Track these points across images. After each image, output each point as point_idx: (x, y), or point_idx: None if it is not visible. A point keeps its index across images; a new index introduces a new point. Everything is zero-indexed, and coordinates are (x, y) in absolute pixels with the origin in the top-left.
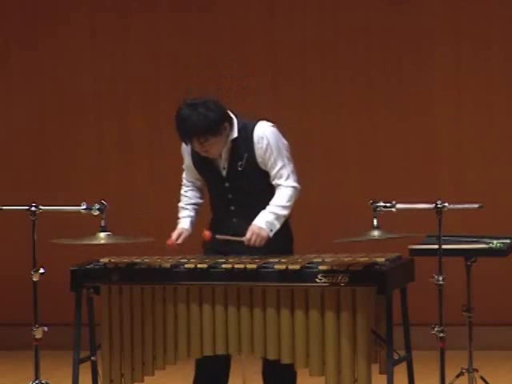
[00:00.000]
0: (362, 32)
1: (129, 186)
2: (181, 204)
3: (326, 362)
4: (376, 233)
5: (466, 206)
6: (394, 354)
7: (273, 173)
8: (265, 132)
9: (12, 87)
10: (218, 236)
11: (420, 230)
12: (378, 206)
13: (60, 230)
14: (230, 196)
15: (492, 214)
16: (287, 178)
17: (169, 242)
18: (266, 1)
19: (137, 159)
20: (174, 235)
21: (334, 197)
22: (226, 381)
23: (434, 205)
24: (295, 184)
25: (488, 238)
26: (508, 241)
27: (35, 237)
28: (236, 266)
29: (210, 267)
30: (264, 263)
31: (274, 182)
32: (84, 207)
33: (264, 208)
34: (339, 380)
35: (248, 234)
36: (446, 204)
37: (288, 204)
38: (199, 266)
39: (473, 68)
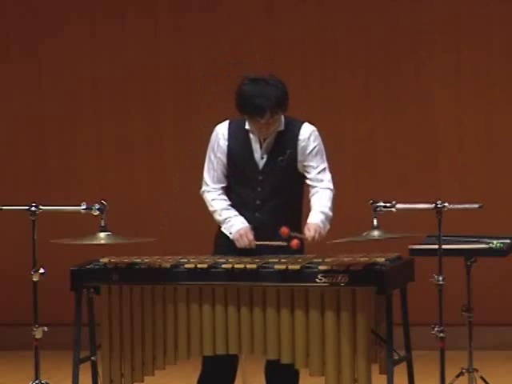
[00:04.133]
0: (361, 31)
1: (129, 186)
2: (220, 206)
3: (326, 362)
4: (376, 233)
5: (466, 206)
6: (394, 354)
7: (314, 173)
8: (314, 133)
9: (12, 87)
10: (257, 243)
11: (420, 229)
12: (378, 206)
13: (60, 230)
14: (259, 189)
15: (492, 214)
16: (329, 181)
17: (250, 242)
18: (265, 1)
19: (137, 159)
20: (250, 235)
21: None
22: (233, 381)
23: (434, 205)
24: (332, 186)
25: (488, 237)
26: (508, 241)
27: (35, 237)
28: (236, 265)
29: (210, 267)
30: (264, 263)
31: (313, 183)
32: (84, 207)
33: (287, 207)
34: (339, 380)
35: (311, 232)
36: (446, 204)
37: (332, 206)
38: (199, 266)
39: (473, 67)
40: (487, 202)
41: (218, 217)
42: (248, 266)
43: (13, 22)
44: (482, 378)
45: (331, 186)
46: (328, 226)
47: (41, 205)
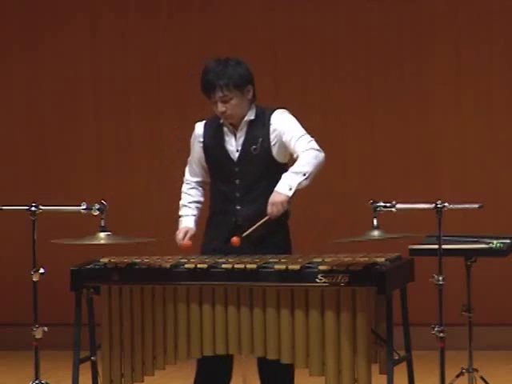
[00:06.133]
0: (362, 32)
1: (129, 186)
2: (183, 202)
3: (325, 362)
4: (376, 233)
5: (466, 206)
6: (394, 353)
7: (293, 143)
8: (284, 113)
9: (12, 87)
10: (245, 234)
11: (420, 230)
12: (377, 206)
13: (60, 230)
14: (237, 182)
15: (492, 214)
16: (309, 142)
17: (183, 244)
18: (265, 1)
19: (137, 159)
20: (181, 234)
21: (334, 197)
22: (229, 381)
23: (434, 205)
24: (318, 147)
25: (488, 237)
26: (508, 241)
27: (35, 237)
28: (236, 266)
29: (210, 267)
30: (264, 263)
31: (294, 153)
32: (84, 207)
33: (268, 197)
34: (339, 380)
35: (268, 209)
36: (446, 204)
37: (311, 161)
38: (199, 266)
39: (473, 68)
40: (487, 202)
41: (179, 210)
42: (248, 266)
43: (13, 22)
44: (481, 378)
45: (311, 146)
46: (297, 181)
47: (41, 205)
